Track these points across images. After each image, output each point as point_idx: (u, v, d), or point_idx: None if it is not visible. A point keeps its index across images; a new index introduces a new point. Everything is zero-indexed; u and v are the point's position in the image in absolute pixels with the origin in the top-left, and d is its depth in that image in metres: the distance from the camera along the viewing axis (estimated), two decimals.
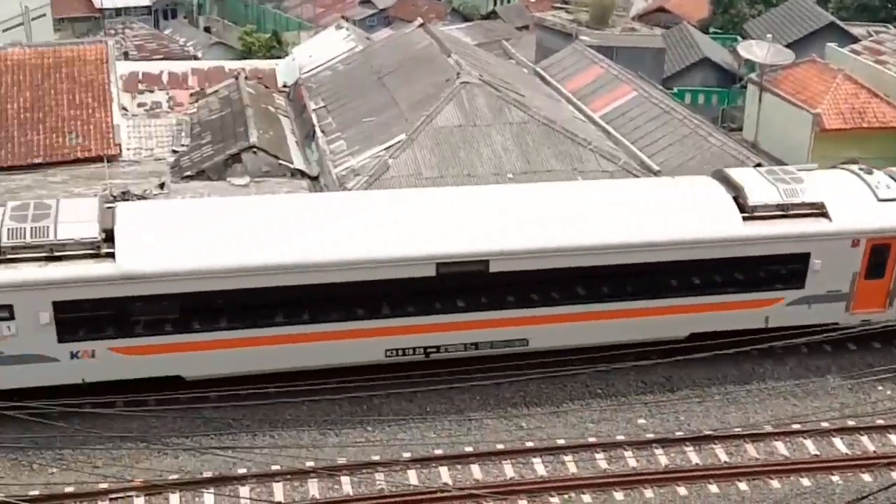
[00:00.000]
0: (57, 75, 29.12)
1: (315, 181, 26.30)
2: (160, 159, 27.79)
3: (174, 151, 28.12)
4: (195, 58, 49.78)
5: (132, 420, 18.30)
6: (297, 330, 19.08)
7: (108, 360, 18.37)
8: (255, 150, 26.28)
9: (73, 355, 18.21)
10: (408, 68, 29.97)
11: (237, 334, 18.86)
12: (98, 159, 26.94)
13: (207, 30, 70.16)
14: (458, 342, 19.80)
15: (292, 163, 26.78)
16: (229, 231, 18.89)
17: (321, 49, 35.16)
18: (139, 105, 31.00)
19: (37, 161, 26.89)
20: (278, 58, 40.89)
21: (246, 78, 31.80)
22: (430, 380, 19.51)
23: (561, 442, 18.74)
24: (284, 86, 33.13)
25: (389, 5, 72.38)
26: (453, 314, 19.68)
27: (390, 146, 25.22)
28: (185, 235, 18.68)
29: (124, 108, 29.81)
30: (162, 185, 25.51)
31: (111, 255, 18.04)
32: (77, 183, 25.88)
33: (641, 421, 19.58)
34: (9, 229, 18.00)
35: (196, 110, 30.47)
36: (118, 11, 66.07)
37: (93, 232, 18.14)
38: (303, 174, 26.49)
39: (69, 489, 16.96)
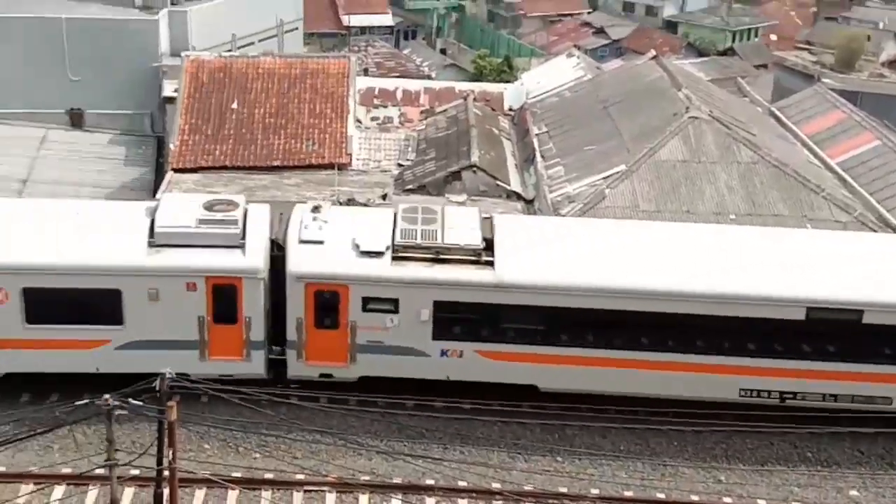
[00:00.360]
0: (301, 85, 30.84)
1: (530, 204, 26.39)
2: (386, 171, 28.84)
3: (399, 165, 29.13)
4: (429, 77, 51.53)
5: (333, 417, 19.04)
6: (653, 357, 19.23)
7: (473, 361, 19.31)
8: (475, 169, 26.76)
9: (443, 353, 19.30)
10: (635, 99, 29.53)
11: (594, 353, 19.28)
12: (329, 166, 28.28)
13: (443, 51, 72.61)
14: (817, 391, 19.25)
15: (509, 184, 27.03)
16: (599, 251, 19.42)
17: (550, 75, 35.34)
18: (372, 119, 32.34)
19: (275, 164, 28.59)
20: (507, 82, 41.49)
21: (474, 99, 32.48)
22: (626, 418, 19.01)
23: (762, 503, 17.71)
24: (510, 109, 33.54)
25: (623, 37, 71.99)
26: (816, 361, 19.12)
27: (608, 176, 24.89)
28: (558, 251, 19.38)
29: (359, 121, 31.19)
30: (384, 197, 26.46)
31: (490, 264, 19.04)
32: (308, 187, 27.32)
33: (854, 493, 18.20)
34: (402, 230, 19.48)
35: (424, 127, 31.43)
36: (363, 30, 69.65)
37: (476, 240, 19.34)
38: (518, 196, 26.67)
39: (268, 475, 17.81)
